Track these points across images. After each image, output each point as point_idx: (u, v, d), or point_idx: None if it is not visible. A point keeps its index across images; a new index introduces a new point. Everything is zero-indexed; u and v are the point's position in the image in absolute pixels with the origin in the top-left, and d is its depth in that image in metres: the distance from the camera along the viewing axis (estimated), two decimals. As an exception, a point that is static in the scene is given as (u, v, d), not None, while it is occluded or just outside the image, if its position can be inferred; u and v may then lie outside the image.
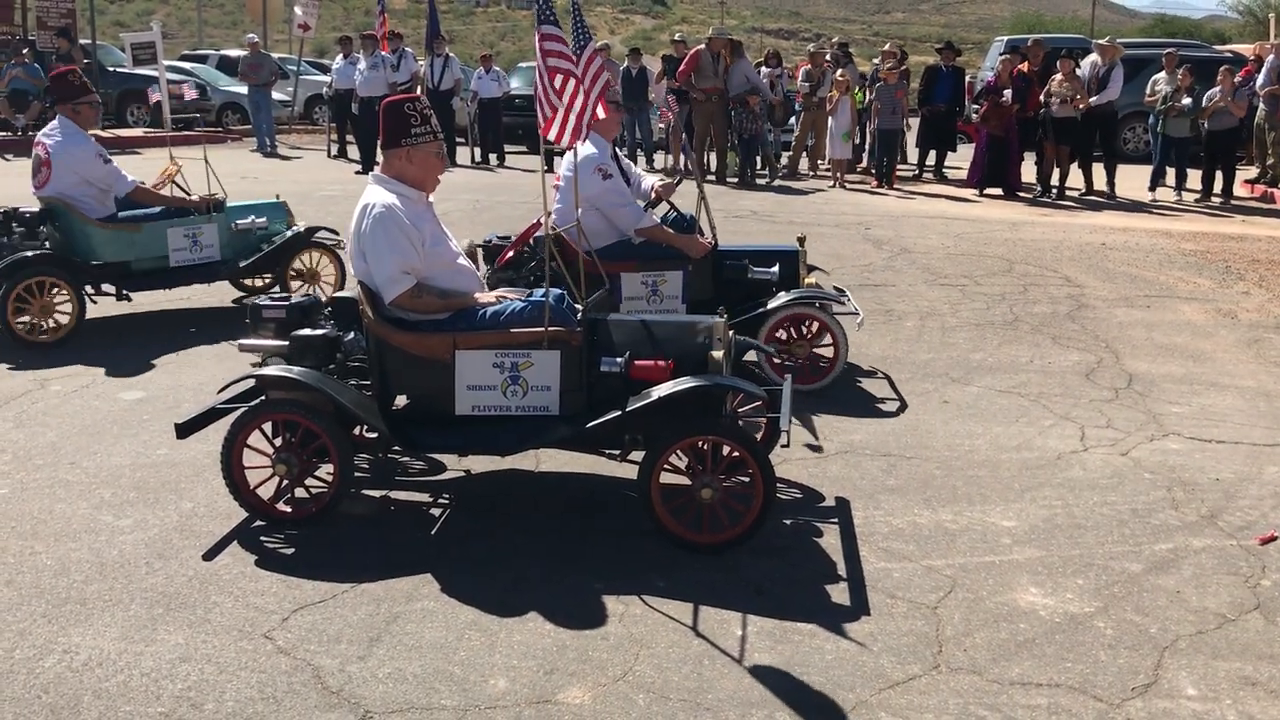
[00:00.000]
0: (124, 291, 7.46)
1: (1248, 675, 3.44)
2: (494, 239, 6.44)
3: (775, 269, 6.36)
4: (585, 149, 6.15)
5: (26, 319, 6.95)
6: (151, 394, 6.07)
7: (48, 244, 7.19)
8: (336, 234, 8.17)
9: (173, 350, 6.96)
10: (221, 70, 26.51)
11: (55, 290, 7.03)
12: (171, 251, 7.53)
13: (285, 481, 4.39)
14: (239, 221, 7.92)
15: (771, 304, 6.15)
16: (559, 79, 4.19)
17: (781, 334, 6.27)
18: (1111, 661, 3.50)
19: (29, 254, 6.95)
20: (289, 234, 8.00)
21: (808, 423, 5.68)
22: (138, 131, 21.73)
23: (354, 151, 17.96)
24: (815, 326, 6.29)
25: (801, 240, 6.64)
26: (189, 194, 7.92)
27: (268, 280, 8.22)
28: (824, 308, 6.25)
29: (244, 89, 20.96)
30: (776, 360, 6.15)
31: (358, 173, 16.78)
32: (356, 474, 4.60)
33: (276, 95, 22.32)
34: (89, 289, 7.31)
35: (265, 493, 4.41)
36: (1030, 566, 4.15)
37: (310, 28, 22.74)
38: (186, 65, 26.00)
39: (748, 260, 6.42)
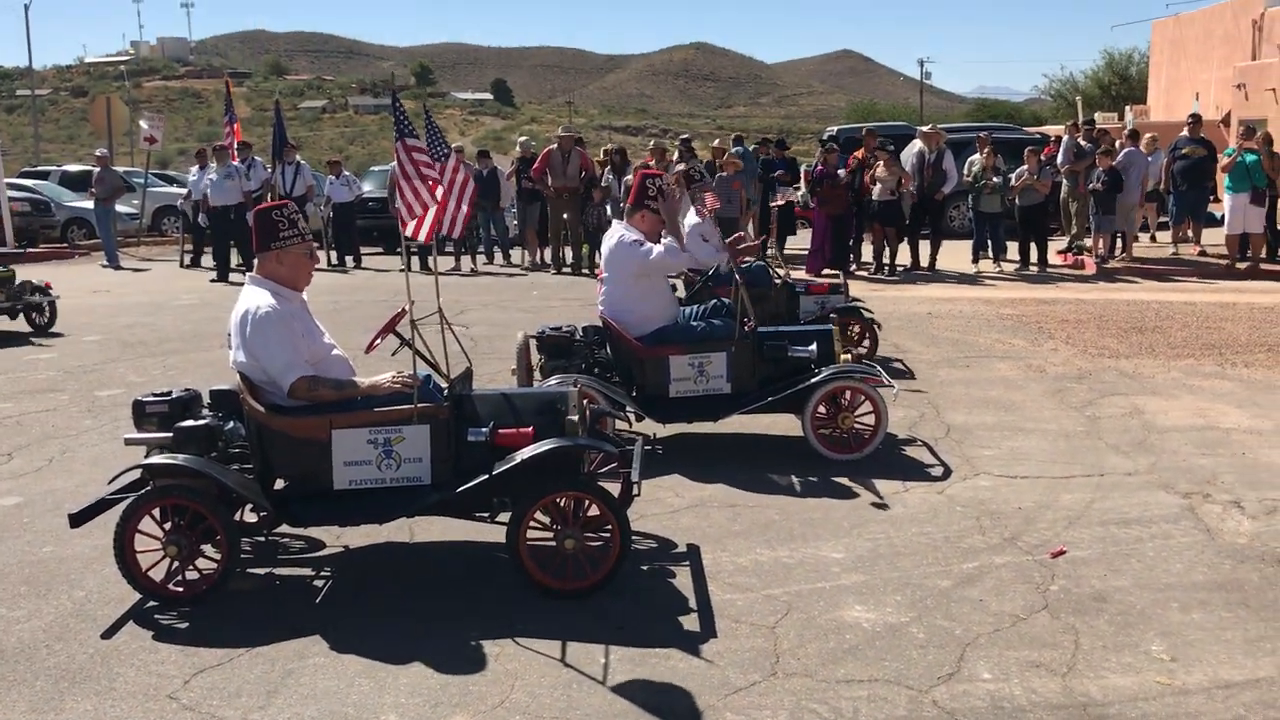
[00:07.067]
0: None
1: (1034, 660, 4.05)
2: (546, 330, 6.87)
3: (813, 347, 6.84)
4: (617, 236, 6.73)
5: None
6: (29, 499, 6.24)
7: None
8: None
9: (40, 458, 7.12)
10: (64, 185, 26.26)
11: None
12: None
13: (176, 563, 4.69)
14: None
15: (816, 378, 6.61)
16: (430, 184, 4.73)
17: (823, 409, 6.69)
18: (922, 658, 4.07)
19: None
20: None
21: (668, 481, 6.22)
22: (-21, 250, 21.34)
23: (208, 259, 18.06)
24: (858, 399, 6.70)
25: (834, 321, 7.16)
26: None
27: None
28: (865, 381, 6.69)
29: (89, 204, 20.86)
30: (823, 432, 6.65)
31: (213, 280, 16.92)
32: (242, 556, 4.92)
33: (123, 208, 22.26)
34: None
35: (157, 575, 4.69)
36: (856, 589, 4.73)
37: (156, 140, 22.94)
38: (28, 182, 25.70)
39: (787, 340, 6.89)
